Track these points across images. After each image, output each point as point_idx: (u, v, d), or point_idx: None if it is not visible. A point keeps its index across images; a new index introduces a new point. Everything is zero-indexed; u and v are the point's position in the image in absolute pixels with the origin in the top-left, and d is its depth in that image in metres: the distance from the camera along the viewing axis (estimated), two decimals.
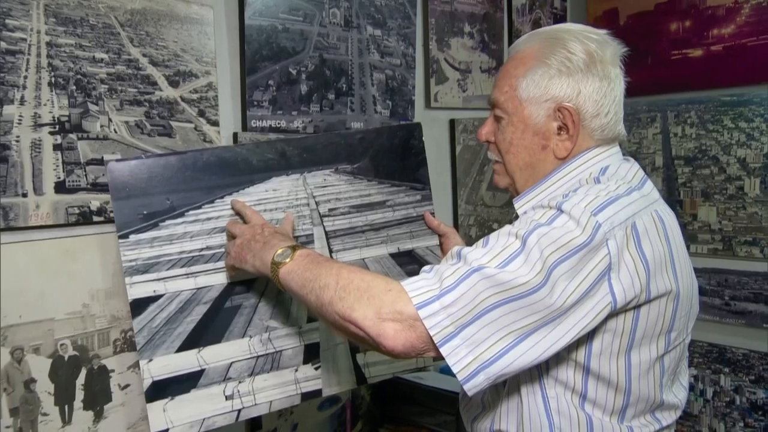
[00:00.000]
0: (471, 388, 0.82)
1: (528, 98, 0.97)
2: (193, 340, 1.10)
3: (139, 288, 1.08)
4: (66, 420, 1.19)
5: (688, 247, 0.97)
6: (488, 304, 0.80)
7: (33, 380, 1.14)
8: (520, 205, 1.02)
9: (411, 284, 0.84)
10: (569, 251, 0.81)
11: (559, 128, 0.98)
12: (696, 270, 0.98)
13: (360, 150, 1.28)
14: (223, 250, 1.14)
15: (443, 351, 0.81)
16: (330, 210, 1.25)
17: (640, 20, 2.56)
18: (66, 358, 1.19)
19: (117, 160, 1.11)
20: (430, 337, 0.81)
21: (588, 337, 0.88)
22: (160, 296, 1.10)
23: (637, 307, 0.87)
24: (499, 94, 1.01)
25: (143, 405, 1.28)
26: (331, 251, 1.23)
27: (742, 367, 2.34)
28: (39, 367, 1.15)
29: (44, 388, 1.16)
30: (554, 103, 0.96)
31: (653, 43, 2.50)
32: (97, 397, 1.23)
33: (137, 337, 1.07)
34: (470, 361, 0.81)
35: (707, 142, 2.42)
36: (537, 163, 1.00)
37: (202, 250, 1.13)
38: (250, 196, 1.17)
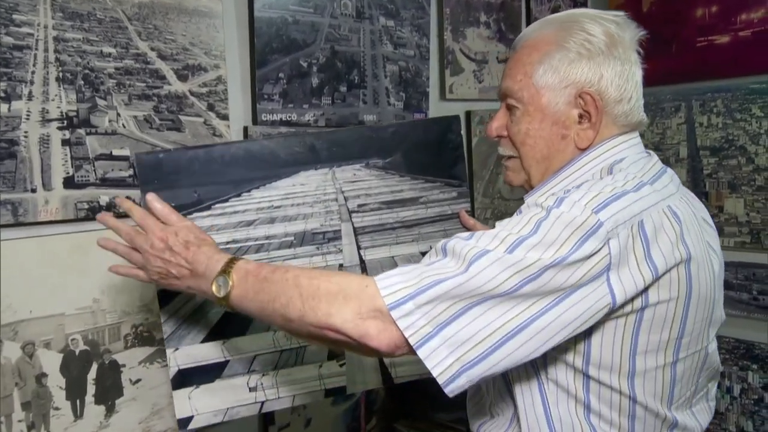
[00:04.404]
0: (452, 390, 0.76)
1: (545, 85, 0.90)
2: (218, 332, 1.10)
3: None
4: (78, 414, 1.19)
5: None
6: (471, 301, 0.75)
7: (44, 375, 1.15)
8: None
9: (384, 279, 0.77)
10: (559, 248, 0.75)
11: (580, 116, 0.90)
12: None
13: (392, 144, 1.23)
14: (249, 243, 1.12)
15: (420, 353, 0.75)
16: (359, 206, 1.21)
17: (664, 6, 2.48)
18: (77, 353, 1.19)
19: (145, 153, 1.11)
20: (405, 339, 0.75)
21: (587, 343, 0.83)
22: None
23: (641, 309, 0.81)
24: (512, 83, 0.95)
25: (155, 400, 1.29)
26: (359, 248, 1.20)
27: None
28: (50, 361, 1.16)
29: (56, 382, 1.17)
30: (575, 88, 0.89)
31: (678, 30, 2.41)
32: (109, 392, 1.23)
33: (164, 326, 1.08)
34: (452, 362, 0.75)
35: (734, 131, 2.33)
36: (555, 154, 0.92)
37: (228, 243, 1.12)
38: (278, 190, 1.16)
